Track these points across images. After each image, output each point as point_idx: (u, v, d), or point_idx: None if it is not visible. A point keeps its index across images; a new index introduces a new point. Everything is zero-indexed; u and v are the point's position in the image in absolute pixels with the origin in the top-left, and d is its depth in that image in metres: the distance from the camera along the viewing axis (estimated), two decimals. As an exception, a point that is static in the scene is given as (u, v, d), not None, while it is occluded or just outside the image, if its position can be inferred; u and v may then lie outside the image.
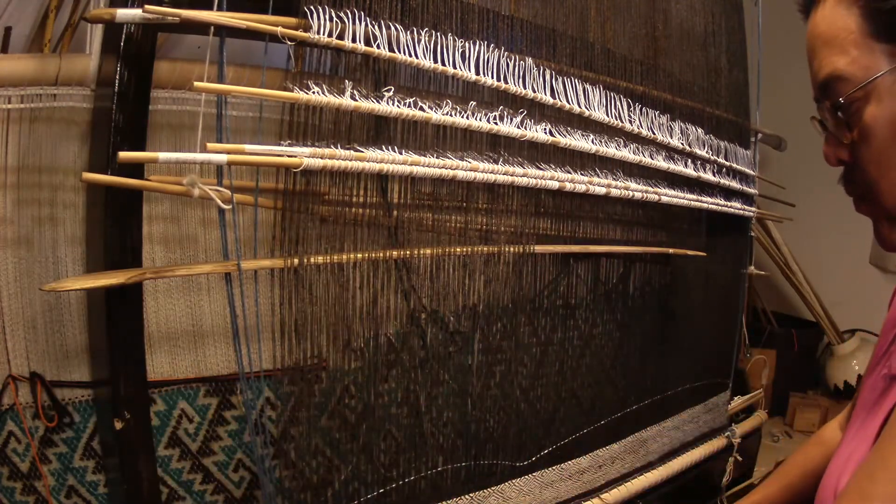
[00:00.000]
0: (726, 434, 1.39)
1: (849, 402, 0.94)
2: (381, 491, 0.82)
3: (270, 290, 0.72)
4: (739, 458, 1.39)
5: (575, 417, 1.04)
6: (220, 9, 0.64)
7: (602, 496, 1.08)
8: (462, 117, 0.80)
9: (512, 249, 0.93)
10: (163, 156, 0.60)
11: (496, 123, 0.83)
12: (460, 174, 0.79)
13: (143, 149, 0.72)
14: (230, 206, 0.66)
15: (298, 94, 0.66)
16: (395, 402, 0.84)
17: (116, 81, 0.69)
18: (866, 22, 0.57)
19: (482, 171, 0.81)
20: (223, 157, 0.62)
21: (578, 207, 1.02)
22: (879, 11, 0.57)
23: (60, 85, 0.79)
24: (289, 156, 0.65)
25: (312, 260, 0.73)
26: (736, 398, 1.50)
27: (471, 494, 0.91)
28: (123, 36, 0.68)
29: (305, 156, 0.66)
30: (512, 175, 0.85)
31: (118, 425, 0.71)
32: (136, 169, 0.69)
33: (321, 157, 0.67)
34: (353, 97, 0.70)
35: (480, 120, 0.82)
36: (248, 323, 0.70)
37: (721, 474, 1.37)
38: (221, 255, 0.70)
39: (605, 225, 1.09)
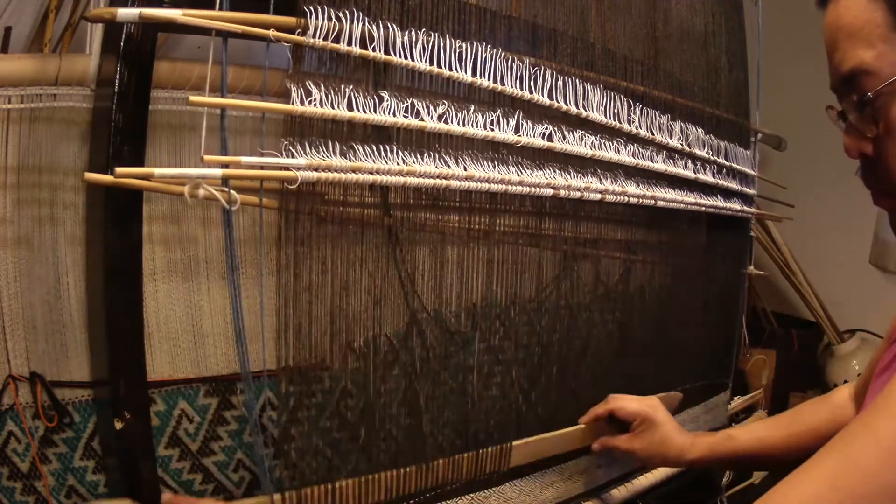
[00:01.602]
0: (726, 434, 1.39)
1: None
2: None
3: (273, 291, 0.72)
4: (739, 459, 1.39)
5: (575, 417, 1.04)
6: (220, 9, 0.65)
7: (602, 496, 1.08)
8: (458, 124, 0.80)
9: (511, 249, 0.93)
10: (159, 171, 0.60)
11: (492, 130, 0.84)
12: (454, 184, 0.79)
13: (143, 149, 0.72)
14: (236, 207, 0.66)
15: (295, 107, 0.66)
16: (396, 402, 0.84)
17: (116, 81, 0.69)
18: (893, 16, 0.57)
19: (477, 181, 0.82)
20: (218, 172, 0.63)
21: (579, 207, 1.02)
22: None
23: (60, 85, 0.78)
24: (285, 168, 0.66)
25: (313, 260, 0.73)
26: (736, 398, 1.50)
27: (471, 495, 0.91)
28: (123, 36, 0.68)
29: (301, 168, 0.66)
30: (507, 183, 0.85)
31: (118, 425, 0.71)
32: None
33: (317, 170, 0.67)
34: (351, 99, 0.70)
35: (477, 126, 0.82)
36: (249, 323, 0.71)
37: (721, 474, 1.37)
38: (222, 255, 0.70)
39: (607, 224, 1.09)
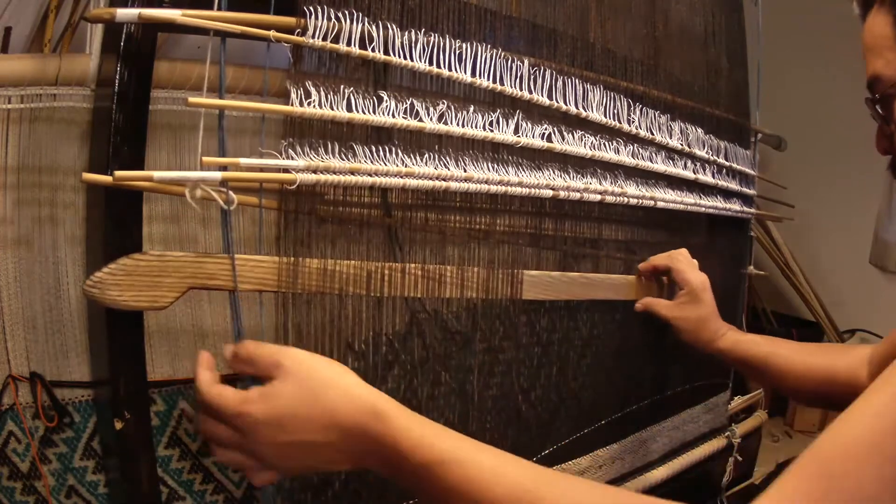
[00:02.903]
0: (726, 434, 1.39)
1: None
2: (382, 491, 0.82)
3: (272, 292, 0.72)
4: (740, 458, 1.39)
5: (575, 417, 1.04)
6: (219, 9, 0.65)
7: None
8: (458, 124, 0.80)
9: (511, 249, 0.93)
10: (158, 175, 0.61)
11: (492, 131, 0.84)
12: (453, 185, 0.80)
13: (143, 149, 0.72)
14: (233, 207, 0.66)
15: (293, 108, 0.66)
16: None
17: (116, 81, 0.69)
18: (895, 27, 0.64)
19: (476, 182, 0.82)
20: (218, 175, 0.63)
21: (579, 207, 1.02)
22: None
23: (60, 85, 0.78)
24: (284, 170, 0.66)
25: (312, 260, 0.73)
26: (736, 398, 1.50)
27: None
28: (123, 36, 0.68)
29: (300, 170, 0.66)
30: (507, 185, 0.85)
31: (118, 425, 0.71)
32: (137, 169, 0.69)
33: (315, 172, 0.68)
34: (350, 100, 0.70)
35: (477, 127, 0.82)
36: (249, 323, 0.71)
37: (721, 474, 1.37)
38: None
39: (607, 224, 1.09)
